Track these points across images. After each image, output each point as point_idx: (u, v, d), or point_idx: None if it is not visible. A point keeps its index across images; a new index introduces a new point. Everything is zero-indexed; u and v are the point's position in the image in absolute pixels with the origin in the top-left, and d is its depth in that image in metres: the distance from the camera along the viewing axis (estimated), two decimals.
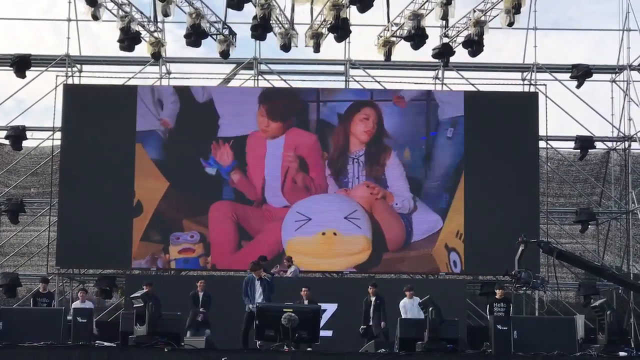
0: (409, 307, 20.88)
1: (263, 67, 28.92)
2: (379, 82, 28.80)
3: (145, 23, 26.77)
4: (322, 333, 17.92)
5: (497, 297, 21.22)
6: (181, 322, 16.61)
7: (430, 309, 16.08)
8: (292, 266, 23.93)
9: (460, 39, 26.60)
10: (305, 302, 20.67)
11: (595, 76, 28.71)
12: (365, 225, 26.82)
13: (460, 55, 27.02)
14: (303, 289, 20.99)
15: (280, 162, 27.04)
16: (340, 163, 27.26)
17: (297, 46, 27.36)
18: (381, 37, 27.13)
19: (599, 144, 29.38)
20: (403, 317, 20.12)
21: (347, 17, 25.99)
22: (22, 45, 30.32)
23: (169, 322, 16.43)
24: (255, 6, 25.57)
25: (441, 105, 27.27)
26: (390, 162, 27.33)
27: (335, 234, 26.70)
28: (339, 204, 26.98)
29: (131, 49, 26.38)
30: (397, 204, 27.03)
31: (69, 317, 16.72)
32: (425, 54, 26.97)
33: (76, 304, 21.39)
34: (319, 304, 19.07)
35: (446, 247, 26.73)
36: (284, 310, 16.14)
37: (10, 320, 16.42)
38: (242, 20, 27.32)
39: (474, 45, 26.06)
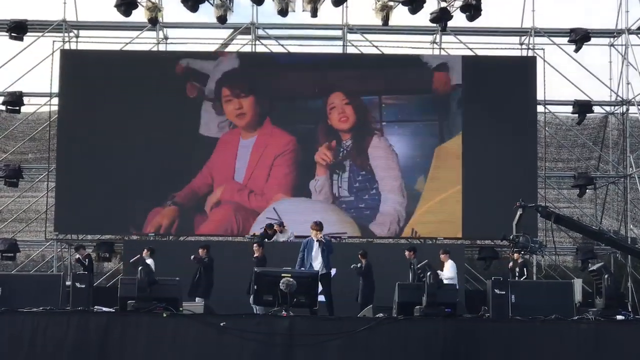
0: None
1: (260, 32, 28.84)
2: (376, 46, 28.75)
3: None
4: (321, 298, 17.98)
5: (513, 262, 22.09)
6: (179, 287, 16.62)
7: (429, 273, 16.10)
8: (285, 230, 24.05)
9: (458, 3, 26.50)
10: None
11: (593, 40, 28.63)
12: None
13: (458, 19, 26.96)
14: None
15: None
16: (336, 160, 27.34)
17: (294, 11, 27.26)
18: (379, 1, 27.02)
19: (597, 109, 29.37)
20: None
21: None
22: (16, 10, 30.21)
23: (167, 287, 16.45)
24: None
25: None
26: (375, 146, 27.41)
27: None
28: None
29: (128, 14, 26.31)
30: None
31: (68, 283, 16.75)
32: (423, 18, 26.93)
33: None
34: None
35: None
36: (282, 275, 16.17)
37: (9, 286, 16.43)
38: None
39: (472, 9, 25.99)
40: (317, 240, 19.35)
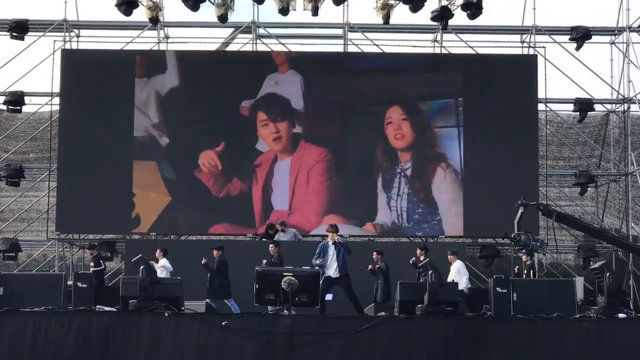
0: (451, 271, 21.46)
1: (261, 31, 28.83)
2: (377, 45, 28.71)
3: None
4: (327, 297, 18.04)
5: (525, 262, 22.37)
6: (181, 286, 16.64)
7: (430, 272, 16.12)
8: (288, 230, 24.01)
9: (459, 2, 26.40)
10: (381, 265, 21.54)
11: (594, 38, 28.58)
12: None
13: (459, 17, 26.93)
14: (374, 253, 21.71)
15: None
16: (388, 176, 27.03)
17: (295, 10, 27.21)
18: (379, 0, 26.99)
19: (598, 107, 29.31)
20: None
21: None
22: (17, 10, 30.26)
23: (168, 286, 16.49)
24: None
25: None
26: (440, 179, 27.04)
27: None
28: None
29: (129, 14, 26.28)
30: None
31: (69, 282, 16.77)
32: (424, 16, 26.88)
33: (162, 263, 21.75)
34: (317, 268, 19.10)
35: None
36: (284, 274, 16.18)
37: (11, 285, 16.46)
38: None
39: (473, 7, 25.90)
40: (333, 243, 19.34)
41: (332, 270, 19.20)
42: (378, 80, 27.19)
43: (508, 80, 27.00)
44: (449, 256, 21.72)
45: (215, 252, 21.43)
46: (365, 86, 27.17)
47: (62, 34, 28.31)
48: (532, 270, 22.48)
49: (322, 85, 27.27)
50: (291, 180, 26.75)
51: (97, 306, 16.43)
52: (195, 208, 26.70)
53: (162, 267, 21.28)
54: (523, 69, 27.40)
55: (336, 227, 19.84)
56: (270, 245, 21.48)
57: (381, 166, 26.93)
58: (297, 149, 26.92)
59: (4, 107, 28.52)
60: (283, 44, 28.83)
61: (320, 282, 18.10)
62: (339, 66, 27.57)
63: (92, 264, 23.23)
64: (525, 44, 28.98)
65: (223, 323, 15.52)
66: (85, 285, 16.37)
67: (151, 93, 26.97)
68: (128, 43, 28.45)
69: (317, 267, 18.98)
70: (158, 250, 21.92)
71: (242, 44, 29.10)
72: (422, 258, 20.87)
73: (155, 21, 27.29)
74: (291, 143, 26.99)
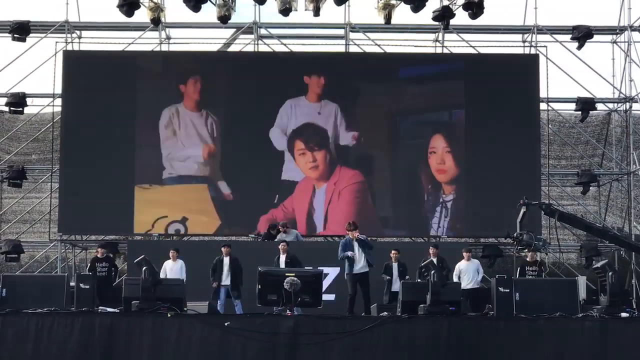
0: (465, 269, 21.38)
1: (263, 31, 28.84)
2: (379, 45, 28.71)
3: None
4: (325, 297, 18.02)
5: (528, 259, 22.02)
6: (183, 287, 16.65)
7: (432, 271, 16.12)
8: (290, 231, 23.97)
9: (461, 1, 26.41)
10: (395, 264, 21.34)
11: (596, 37, 28.56)
12: None
13: (461, 17, 26.93)
14: (393, 251, 21.58)
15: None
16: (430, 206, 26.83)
17: (296, 10, 27.19)
18: (381, 0, 26.98)
19: (600, 106, 29.31)
20: (455, 280, 20.90)
21: None
22: (18, 11, 30.29)
23: (171, 287, 16.51)
24: None
25: None
26: None
27: None
28: None
29: (130, 15, 26.26)
30: None
31: (72, 284, 16.77)
32: (425, 16, 26.89)
33: (168, 263, 21.64)
34: (319, 268, 19.11)
35: None
36: (286, 274, 16.19)
37: (14, 286, 16.47)
38: None
39: (474, 7, 25.86)
40: (355, 240, 19.31)
41: (361, 265, 19.20)
42: (421, 88, 27.17)
43: (510, 80, 27.00)
44: (465, 253, 21.85)
45: (224, 249, 21.39)
46: (408, 96, 27.12)
47: (63, 35, 28.31)
48: (542, 267, 22.38)
49: (361, 100, 27.24)
50: (326, 203, 26.64)
51: (100, 307, 16.45)
52: (245, 230, 26.72)
53: (180, 268, 21.39)
54: (524, 69, 27.38)
55: (355, 224, 19.76)
56: (282, 245, 21.35)
57: (426, 188, 26.80)
58: (333, 174, 26.79)
59: (6, 109, 28.57)
60: (285, 45, 28.83)
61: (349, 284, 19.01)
62: (380, 75, 27.40)
63: (104, 263, 23.18)
64: (526, 44, 28.98)
65: (226, 324, 15.53)
66: (87, 287, 16.38)
67: (216, 129, 27.02)
68: (130, 44, 28.46)
69: (349, 256, 19.07)
70: (172, 250, 21.94)
71: (244, 44, 29.10)
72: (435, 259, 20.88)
73: (156, 22, 27.28)
74: (327, 170, 26.86)
